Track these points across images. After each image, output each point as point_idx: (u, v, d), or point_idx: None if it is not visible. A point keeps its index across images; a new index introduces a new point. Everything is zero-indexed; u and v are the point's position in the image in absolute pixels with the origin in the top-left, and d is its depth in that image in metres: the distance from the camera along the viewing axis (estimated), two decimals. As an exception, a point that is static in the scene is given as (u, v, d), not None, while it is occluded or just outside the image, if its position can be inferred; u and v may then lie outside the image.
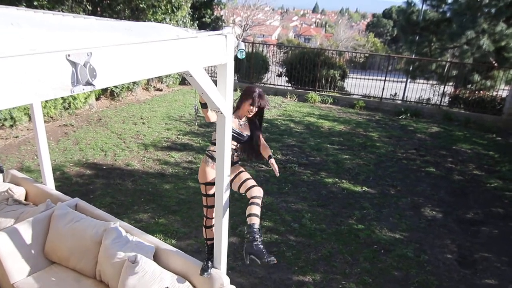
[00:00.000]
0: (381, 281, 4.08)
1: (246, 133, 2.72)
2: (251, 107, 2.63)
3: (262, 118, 2.84)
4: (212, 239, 2.78)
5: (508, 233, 5.19)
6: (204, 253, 2.86)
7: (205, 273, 2.71)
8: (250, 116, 2.69)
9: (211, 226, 2.87)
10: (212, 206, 2.72)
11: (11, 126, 7.15)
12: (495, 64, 11.39)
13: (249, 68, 12.42)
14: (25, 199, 3.90)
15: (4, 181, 4.03)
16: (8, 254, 2.94)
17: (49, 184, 3.89)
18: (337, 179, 6.39)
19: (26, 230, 3.10)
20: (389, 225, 5.14)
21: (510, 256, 4.67)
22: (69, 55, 1.31)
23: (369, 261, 4.39)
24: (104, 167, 6.23)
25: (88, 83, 1.38)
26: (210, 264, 2.76)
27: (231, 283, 2.85)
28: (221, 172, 2.48)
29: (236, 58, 2.24)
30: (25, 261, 3.03)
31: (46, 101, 7.58)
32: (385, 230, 5.03)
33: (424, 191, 6.21)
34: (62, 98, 8.03)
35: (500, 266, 4.49)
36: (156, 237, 3.41)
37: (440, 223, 5.32)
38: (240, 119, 2.73)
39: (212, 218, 2.81)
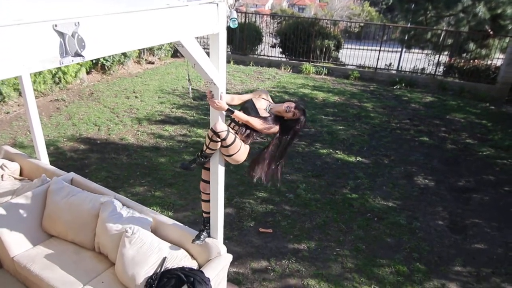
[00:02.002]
0: (374, 248, 4.20)
1: (264, 115, 2.49)
2: (286, 112, 2.46)
3: (291, 141, 2.59)
4: (209, 212, 2.81)
5: (498, 199, 5.32)
6: (201, 224, 2.90)
7: (197, 241, 2.75)
8: (279, 115, 2.49)
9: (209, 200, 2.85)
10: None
11: (0, 101, 7.03)
12: (491, 32, 11.27)
13: (242, 40, 12.20)
14: (20, 175, 3.90)
15: (-3, 157, 4.02)
16: (6, 228, 2.97)
17: (44, 159, 3.88)
18: (331, 150, 6.43)
19: (23, 205, 3.12)
20: (382, 194, 5.23)
21: (499, 222, 4.80)
22: (56, 25, 1.27)
23: (362, 228, 4.49)
24: (98, 142, 6.21)
25: (78, 54, 1.35)
26: (203, 233, 2.79)
27: (228, 252, 2.91)
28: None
29: (228, 28, 2.19)
30: (24, 235, 3.06)
31: (35, 76, 7.44)
32: (379, 198, 5.12)
33: (417, 160, 6.29)
34: (52, 72, 7.88)
35: (489, 232, 4.62)
36: (153, 209, 3.44)
37: (433, 191, 5.41)
38: (270, 108, 2.53)
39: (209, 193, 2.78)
